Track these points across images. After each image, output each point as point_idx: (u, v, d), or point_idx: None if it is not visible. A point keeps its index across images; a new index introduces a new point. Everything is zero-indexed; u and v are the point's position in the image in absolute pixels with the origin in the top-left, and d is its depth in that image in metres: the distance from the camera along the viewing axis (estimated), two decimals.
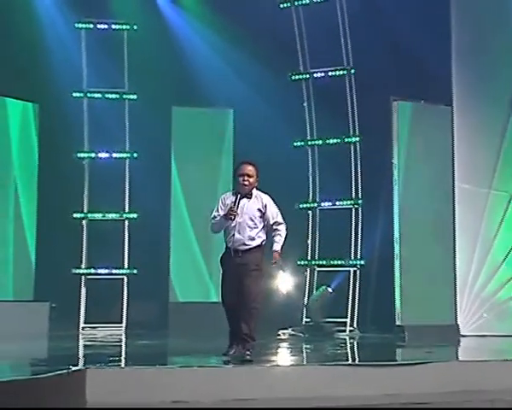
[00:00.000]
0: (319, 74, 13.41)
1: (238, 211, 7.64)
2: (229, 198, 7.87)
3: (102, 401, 6.45)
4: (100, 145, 13.41)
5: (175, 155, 13.90)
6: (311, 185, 13.47)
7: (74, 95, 13.38)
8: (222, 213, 7.82)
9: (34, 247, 14.00)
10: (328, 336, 12.08)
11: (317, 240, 13.31)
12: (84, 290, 13.31)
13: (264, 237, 7.87)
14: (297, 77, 13.54)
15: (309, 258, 13.40)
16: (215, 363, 7.64)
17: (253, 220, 7.80)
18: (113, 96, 13.47)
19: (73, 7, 13.08)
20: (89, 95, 13.47)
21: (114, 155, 13.53)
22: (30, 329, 12.21)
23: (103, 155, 13.50)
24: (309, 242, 13.29)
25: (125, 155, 13.49)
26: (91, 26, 13.40)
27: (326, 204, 13.40)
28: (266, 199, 7.91)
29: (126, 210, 13.45)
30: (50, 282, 13.60)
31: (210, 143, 14.04)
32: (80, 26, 13.39)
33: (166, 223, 13.62)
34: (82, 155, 13.47)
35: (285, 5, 13.39)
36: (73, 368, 6.46)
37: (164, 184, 13.77)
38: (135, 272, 13.28)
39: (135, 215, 13.46)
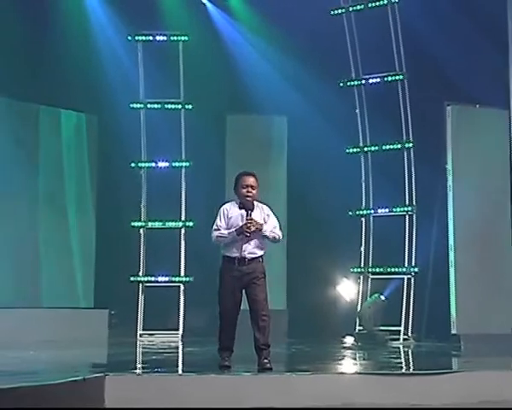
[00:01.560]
0: (371, 80, 13.14)
1: (253, 221, 7.47)
2: (232, 210, 7.72)
3: (121, 408, 6.44)
4: (156, 155, 13.40)
5: (229, 163, 13.92)
6: (363, 192, 13.23)
7: (132, 106, 13.39)
8: (224, 224, 7.64)
9: (94, 255, 14.36)
10: (381, 345, 11.80)
11: (371, 247, 13.04)
12: (141, 298, 13.39)
13: (264, 249, 7.79)
14: (349, 83, 13.30)
15: (362, 265, 13.15)
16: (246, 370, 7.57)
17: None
18: (169, 106, 13.42)
19: (127, 20, 13.07)
20: (145, 105, 13.40)
21: (170, 164, 13.41)
22: (90, 335, 12.38)
23: (160, 164, 13.46)
24: (362, 249, 13.03)
25: (180, 164, 13.47)
26: (146, 38, 13.34)
27: (379, 211, 13.12)
28: (267, 210, 7.83)
29: (183, 218, 13.50)
30: (110, 290, 13.81)
31: (264, 150, 14.00)
32: (136, 38, 13.36)
33: None
34: (139, 164, 13.47)
35: (336, 12, 13.18)
36: (95, 375, 6.46)
37: (218, 192, 13.73)
38: (191, 279, 13.31)
39: (191, 223, 13.47)
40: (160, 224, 13.43)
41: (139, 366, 8.94)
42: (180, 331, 13.04)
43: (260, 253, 7.74)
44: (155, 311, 13.25)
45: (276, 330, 13.08)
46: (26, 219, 13.08)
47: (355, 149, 13.35)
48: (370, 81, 13.16)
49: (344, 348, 11.51)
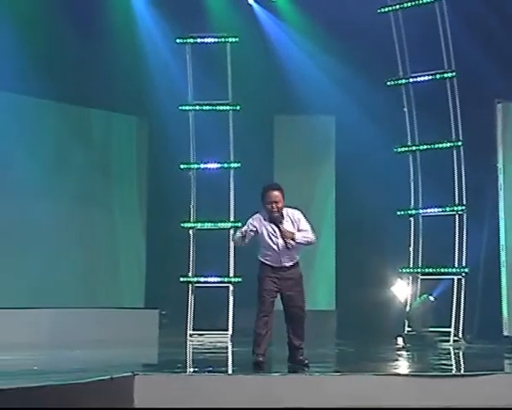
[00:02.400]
0: (419, 79, 12.87)
1: (286, 232, 7.67)
2: (263, 225, 7.86)
3: (150, 407, 6.45)
4: (205, 156, 13.40)
5: (277, 164, 13.89)
6: (412, 192, 12.98)
7: (181, 108, 13.41)
8: (250, 230, 7.82)
9: (144, 256, 14.45)
10: (430, 346, 11.54)
11: (420, 247, 12.79)
12: (191, 298, 13.44)
13: (311, 235, 7.90)
14: (396, 82, 13.09)
15: (411, 265, 12.90)
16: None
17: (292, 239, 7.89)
18: (218, 107, 13.42)
19: (174, 23, 12.99)
20: (194, 107, 13.43)
21: (219, 165, 13.47)
22: (140, 335, 12.44)
23: (208, 165, 13.45)
24: (411, 249, 12.78)
25: (229, 166, 13.45)
26: (194, 40, 13.33)
27: (428, 211, 12.85)
28: (297, 215, 7.97)
29: (231, 219, 13.49)
30: (160, 290, 13.91)
31: (312, 150, 13.95)
32: (183, 40, 13.36)
33: None
34: (188, 166, 13.48)
35: (383, 10, 12.95)
36: (123, 374, 6.44)
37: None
38: (240, 279, 13.31)
39: (239, 224, 13.40)
40: (210, 225, 13.43)
41: (187, 365, 8.93)
42: (229, 332, 13.06)
43: (296, 258, 7.96)
44: (205, 311, 13.28)
45: (324, 331, 13.15)
46: (79, 220, 13.19)
47: (404, 149, 13.10)
48: (418, 79, 12.88)
49: (391, 349, 11.28)
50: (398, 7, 13.00)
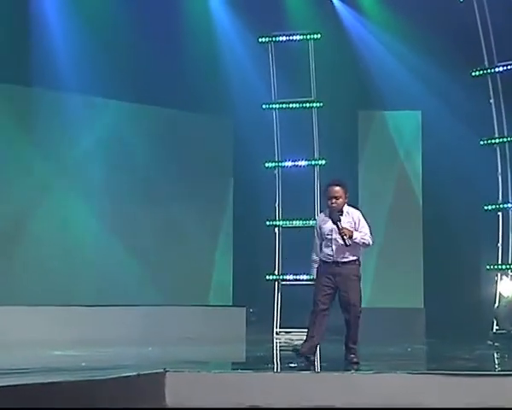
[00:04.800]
0: (506, 68, 12.31)
1: (345, 230, 7.65)
2: (324, 221, 7.90)
3: (181, 404, 6.38)
4: (289, 154, 13.24)
5: (362, 160, 13.68)
6: (500, 185, 12.46)
7: (264, 106, 13.33)
8: (319, 241, 7.88)
9: (231, 254, 14.57)
10: None
11: (510, 243, 12.24)
12: (278, 296, 13.38)
13: (359, 252, 7.89)
14: (482, 72, 12.54)
15: (499, 262, 12.35)
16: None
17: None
18: (301, 105, 13.29)
19: (252, 22, 12.86)
20: (278, 106, 13.35)
21: (304, 163, 13.32)
22: (228, 333, 12.40)
23: (293, 163, 13.33)
24: (499, 245, 12.25)
25: (314, 163, 13.25)
26: (277, 38, 13.20)
27: None
28: (357, 215, 7.91)
29: (316, 217, 13.37)
30: (249, 288, 13.99)
31: (397, 146, 13.68)
32: (265, 39, 13.31)
33: None
34: (273, 164, 13.39)
35: None
36: (155, 371, 6.39)
37: (352, 190, 13.52)
38: None
39: None
40: (296, 222, 13.40)
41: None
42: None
43: (352, 257, 7.84)
44: (293, 309, 13.27)
45: (412, 329, 12.91)
46: (164, 220, 13.30)
47: (490, 141, 12.57)
48: (507, 68, 12.30)
49: (478, 348, 10.95)
50: None
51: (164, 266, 13.20)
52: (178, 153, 13.55)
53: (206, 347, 10.80)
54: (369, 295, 13.17)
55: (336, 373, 7.15)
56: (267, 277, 13.29)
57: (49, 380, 5.36)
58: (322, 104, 13.16)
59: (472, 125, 12.57)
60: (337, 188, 7.81)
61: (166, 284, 13.12)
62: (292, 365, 7.83)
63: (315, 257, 8.00)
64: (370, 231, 7.91)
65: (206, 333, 12.04)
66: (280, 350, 11.11)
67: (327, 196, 7.86)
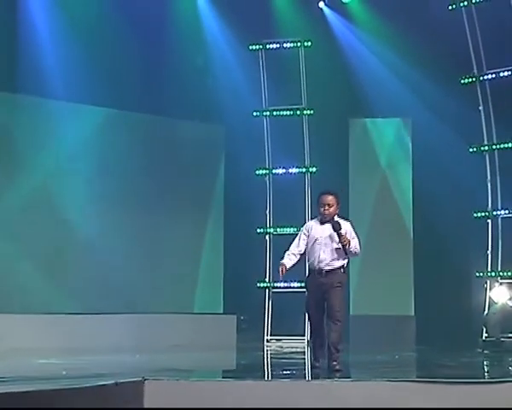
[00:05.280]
0: (494, 75, 12.32)
1: (345, 238, 7.78)
2: (314, 227, 8.00)
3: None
4: (280, 161, 13.25)
5: (353, 167, 13.62)
6: (489, 192, 12.42)
7: (255, 114, 13.32)
8: (298, 248, 7.99)
9: (222, 261, 14.28)
10: (509, 353, 10.87)
11: (500, 250, 12.17)
12: (268, 303, 13.22)
13: (345, 260, 7.99)
14: (471, 79, 12.53)
15: (489, 269, 12.29)
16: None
17: (334, 242, 7.88)
18: (291, 112, 13.25)
19: (242, 30, 12.84)
20: (268, 113, 13.36)
21: (294, 170, 13.34)
22: (219, 340, 12.34)
23: (283, 170, 13.33)
24: (489, 252, 12.20)
25: (304, 170, 13.23)
26: (267, 46, 13.22)
27: (505, 212, 12.27)
28: (347, 226, 7.99)
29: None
30: (238, 295, 13.94)
31: (388, 153, 13.66)
32: (254, 47, 13.27)
33: None
34: (263, 171, 13.37)
35: (455, 6, 12.31)
36: (132, 379, 6.29)
37: (342, 197, 13.49)
38: None
39: None
40: (288, 229, 13.38)
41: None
42: (306, 337, 12.97)
43: (337, 264, 7.94)
44: (283, 316, 13.24)
45: (403, 337, 12.86)
46: (154, 228, 13.22)
47: (480, 148, 12.53)
48: (493, 76, 12.31)
49: (467, 355, 10.89)
50: (470, 2, 12.33)
51: (154, 274, 13.15)
52: (168, 160, 13.49)
53: (196, 354, 10.82)
54: (358, 302, 13.22)
55: (316, 381, 7.09)
56: (258, 284, 13.27)
57: (24, 389, 5.31)
58: (313, 111, 13.19)
59: (461, 132, 12.55)
60: (330, 197, 7.99)
61: (156, 292, 13.08)
62: (278, 372, 7.85)
63: (290, 253, 8.09)
64: (359, 241, 8.04)
65: (196, 341, 12.06)
66: (268, 357, 11.07)
67: (319, 204, 8.00)
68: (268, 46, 13.34)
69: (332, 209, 7.93)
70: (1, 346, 10.37)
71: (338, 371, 7.70)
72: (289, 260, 8.04)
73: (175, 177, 13.53)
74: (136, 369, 8.23)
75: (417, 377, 7.19)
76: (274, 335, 13.04)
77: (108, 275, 12.51)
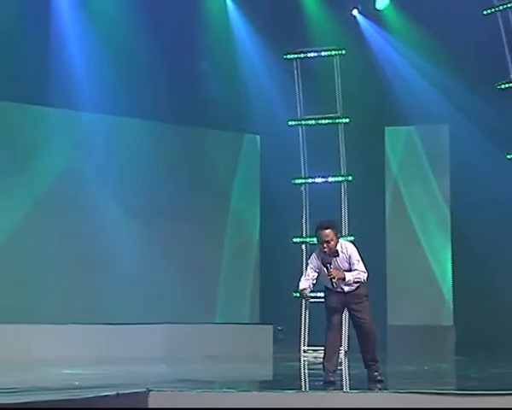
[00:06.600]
0: None
1: (333, 273, 7.55)
2: (319, 258, 7.71)
3: None
4: (316, 170, 13.09)
5: (389, 175, 13.49)
6: None
7: (290, 123, 13.17)
8: (313, 274, 7.74)
9: (259, 271, 14.10)
10: None
11: None
12: (305, 313, 13.30)
13: (362, 275, 7.68)
14: (507, 85, 12.04)
15: None
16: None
17: (343, 268, 7.67)
18: (327, 121, 13.05)
19: (273, 39, 12.89)
20: (304, 122, 13.22)
21: (330, 179, 13.19)
22: (255, 351, 12.27)
23: (320, 179, 13.18)
24: None
25: (340, 179, 13.07)
26: (302, 55, 13.02)
27: None
28: (350, 249, 7.73)
29: (344, 233, 13.24)
30: (275, 305, 13.88)
31: (425, 160, 13.46)
32: (290, 56, 13.07)
33: (382, 244, 13.19)
34: (300, 181, 13.20)
35: (489, 11, 12.02)
36: (136, 390, 6.24)
37: (379, 205, 13.46)
38: None
39: (352, 238, 13.15)
40: None
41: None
42: (344, 348, 12.83)
43: (356, 285, 7.73)
44: (320, 326, 13.11)
45: (441, 347, 12.65)
46: (191, 238, 13.20)
47: None
48: None
49: (500, 367, 10.57)
50: (505, 6, 12.05)
51: (190, 284, 13.11)
52: (204, 171, 13.48)
53: (231, 365, 10.67)
54: (396, 312, 13.05)
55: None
56: (294, 294, 13.18)
57: (27, 400, 5.36)
58: (349, 120, 13.08)
59: (498, 137, 12.29)
60: (327, 231, 7.64)
61: (192, 302, 13.06)
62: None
63: (304, 279, 7.85)
64: (364, 263, 7.76)
65: (232, 351, 12.00)
66: (305, 368, 10.97)
67: (317, 240, 7.71)
68: (304, 55, 13.21)
69: (332, 244, 7.62)
70: (35, 356, 10.47)
71: (380, 381, 7.63)
72: (307, 283, 7.82)
73: (210, 187, 13.49)
74: (154, 380, 8.13)
75: (431, 389, 7.00)
76: (311, 345, 12.93)
77: (142, 286, 12.54)
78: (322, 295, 12.41)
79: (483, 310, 12.93)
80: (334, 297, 7.75)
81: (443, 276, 13.19)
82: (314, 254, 7.84)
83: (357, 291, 7.72)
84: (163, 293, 12.71)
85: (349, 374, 9.64)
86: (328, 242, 7.61)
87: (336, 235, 7.68)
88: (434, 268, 13.13)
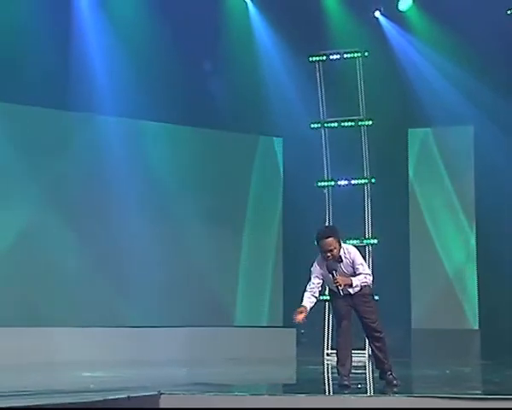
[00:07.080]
0: None
1: (339, 281, 7.48)
2: (322, 265, 7.62)
3: None
4: (339, 173, 13.04)
5: (413, 177, 13.36)
6: None
7: (312, 126, 13.14)
8: (318, 281, 7.67)
9: (282, 274, 14.07)
10: None
11: None
12: (328, 317, 13.18)
13: (368, 278, 7.63)
14: None
15: None
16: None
17: (348, 273, 7.63)
18: (350, 123, 13.02)
19: (295, 41, 12.81)
20: (326, 125, 13.17)
21: (354, 181, 13.08)
22: (278, 354, 12.31)
23: (343, 182, 13.16)
24: None
25: (363, 181, 12.99)
26: (325, 57, 13.00)
27: None
28: (352, 253, 7.66)
29: (367, 236, 13.21)
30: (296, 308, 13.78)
31: (449, 162, 13.29)
32: (314, 58, 13.07)
33: (406, 247, 13.08)
34: (323, 183, 13.18)
35: None
36: (149, 393, 6.21)
37: (402, 207, 13.34)
38: (376, 298, 12.93)
39: (375, 241, 13.08)
40: (346, 242, 13.15)
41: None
42: (367, 351, 12.74)
43: (362, 286, 7.66)
44: None
45: (466, 351, 12.52)
46: (212, 240, 13.15)
47: None
48: None
49: None
50: None
51: (213, 288, 13.10)
52: (227, 174, 13.44)
53: (254, 367, 10.68)
54: (420, 316, 12.92)
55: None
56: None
57: (37, 403, 5.38)
58: (371, 122, 12.99)
59: None
60: (329, 240, 7.55)
61: (215, 306, 13.06)
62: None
63: (310, 296, 7.80)
64: (367, 264, 7.78)
65: (256, 354, 12.00)
66: (328, 371, 10.89)
67: (320, 249, 7.59)
68: (327, 57, 13.11)
69: (335, 252, 7.53)
70: (60, 359, 10.56)
71: (396, 385, 7.54)
72: (310, 302, 7.75)
73: (231, 190, 13.43)
74: (170, 382, 8.10)
75: (444, 392, 6.90)
76: (334, 348, 12.84)
77: (172, 287, 12.56)
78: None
79: (509, 314, 12.75)
80: (342, 302, 7.69)
81: (468, 279, 13.02)
82: (316, 261, 7.73)
83: (362, 291, 7.67)
84: (183, 296, 12.68)
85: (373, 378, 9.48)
86: (331, 250, 7.54)
87: (339, 241, 7.59)
88: (459, 271, 12.96)
